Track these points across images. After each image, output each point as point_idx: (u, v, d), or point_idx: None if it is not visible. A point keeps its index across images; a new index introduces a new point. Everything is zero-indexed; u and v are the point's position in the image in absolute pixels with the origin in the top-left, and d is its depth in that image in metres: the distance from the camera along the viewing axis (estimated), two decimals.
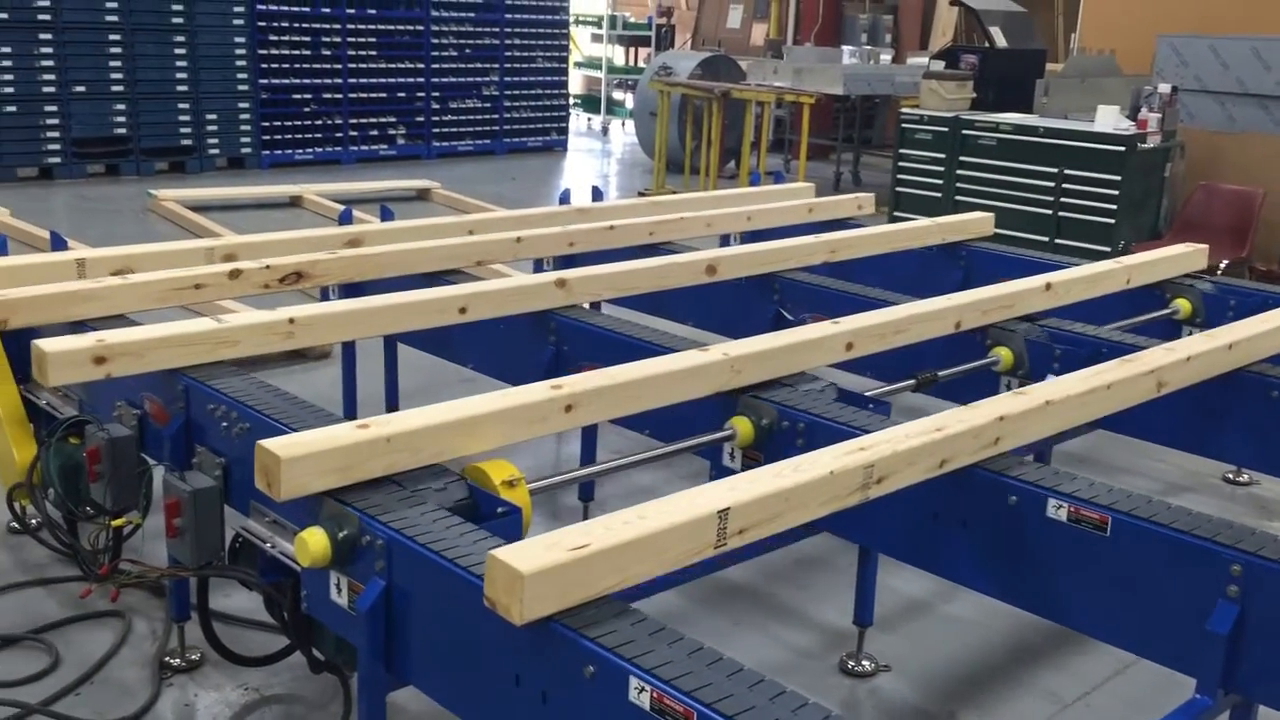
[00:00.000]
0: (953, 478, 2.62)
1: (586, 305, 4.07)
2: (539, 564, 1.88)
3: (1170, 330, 4.29)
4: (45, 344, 2.92)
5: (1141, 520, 2.38)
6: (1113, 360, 3.32)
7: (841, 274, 4.53)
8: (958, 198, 8.35)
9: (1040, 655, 3.37)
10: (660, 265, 4.22)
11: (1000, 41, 9.73)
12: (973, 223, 5.20)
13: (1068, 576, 2.50)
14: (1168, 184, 8.02)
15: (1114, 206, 7.63)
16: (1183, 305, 4.36)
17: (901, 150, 8.82)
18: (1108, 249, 7.39)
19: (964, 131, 8.39)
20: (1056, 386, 3.06)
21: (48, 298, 3.32)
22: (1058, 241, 7.73)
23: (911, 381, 3.49)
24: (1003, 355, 3.71)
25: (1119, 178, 7.62)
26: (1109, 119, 7.80)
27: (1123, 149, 7.63)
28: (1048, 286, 4.04)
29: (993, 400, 2.88)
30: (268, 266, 3.74)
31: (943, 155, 8.50)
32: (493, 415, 2.64)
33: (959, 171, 8.42)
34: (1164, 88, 7.92)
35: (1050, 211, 7.89)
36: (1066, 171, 7.82)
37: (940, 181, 8.51)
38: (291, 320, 3.25)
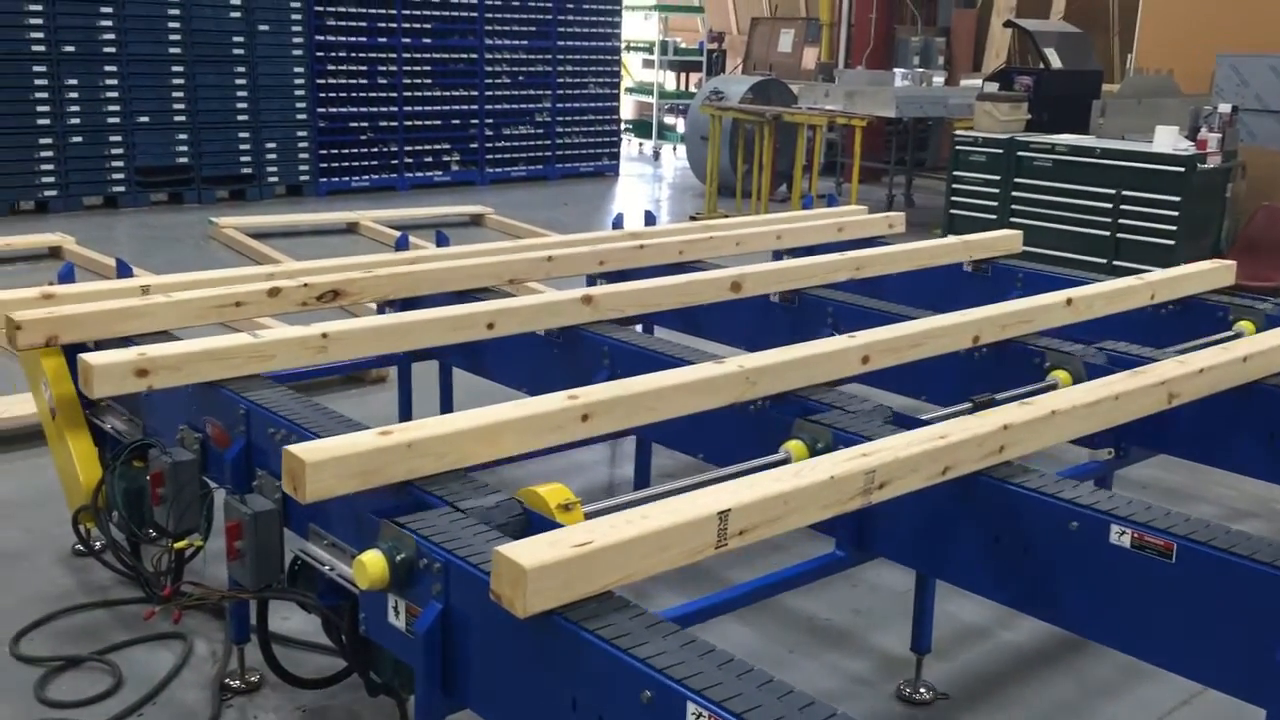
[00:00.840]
0: (1012, 502, 2.59)
1: (638, 325, 4.08)
2: (542, 559, 1.95)
3: None
4: (90, 357, 3.04)
5: (1208, 547, 2.33)
6: (1124, 371, 3.30)
7: (868, 291, 4.55)
8: (1012, 219, 8.27)
9: (1103, 684, 3.31)
10: (685, 282, 4.25)
11: (1055, 63, 9.65)
12: (1000, 240, 5.15)
13: (1131, 604, 2.46)
14: (1229, 205, 7.90)
15: (1174, 228, 7.52)
16: (1246, 327, 4.28)
17: (955, 172, 8.76)
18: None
19: (1019, 153, 8.32)
20: (1064, 396, 3.05)
21: (95, 315, 3.40)
22: (1116, 264, 7.62)
23: (968, 405, 3.45)
24: (1061, 378, 3.65)
25: (1178, 199, 7.51)
26: (1168, 139, 7.70)
27: (1182, 170, 7.52)
28: (1069, 302, 4.01)
29: (999, 409, 2.87)
30: (305, 285, 3.81)
31: (997, 177, 8.43)
32: (511, 423, 2.70)
33: (1014, 193, 8.34)
34: (1224, 107, 7.80)
35: (1108, 233, 7.79)
36: (1124, 193, 7.72)
37: (995, 204, 8.44)
38: (325, 335, 3.34)
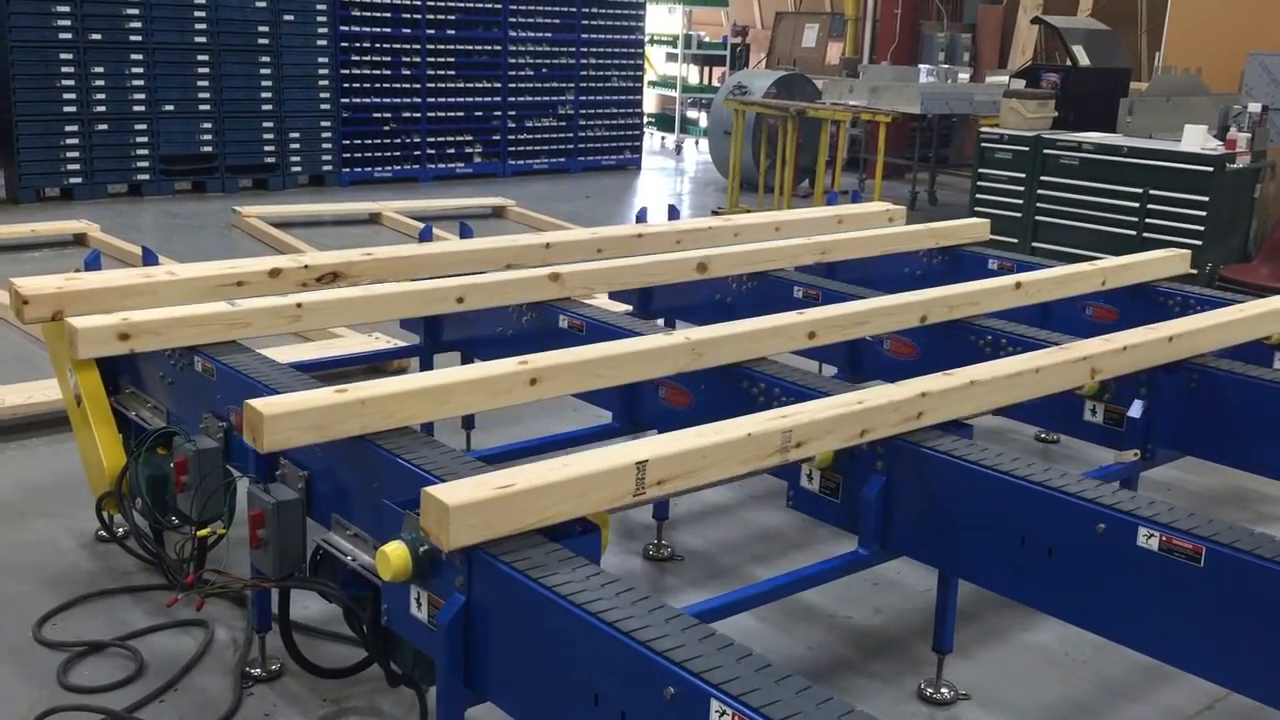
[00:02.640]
0: (1036, 500, 2.57)
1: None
2: (465, 498, 2.12)
3: (1263, 355, 4.17)
4: (75, 320, 3.15)
5: (1237, 551, 2.31)
6: (1050, 349, 3.38)
7: (836, 276, 4.67)
8: (1038, 217, 8.23)
9: (1125, 688, 3.28)
10: (651, 262, 4.33)
11: (1083, 60, 9.57)
12: (966, 228, 5.23)
13: (1158, 607, 2.44)
14: (1258, 205, 7.82)
15: (1201, 228, 7.45)
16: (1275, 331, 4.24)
17: (981, 170, 8.71)
18: (1194, 271, 7.21)
19: (1045, 151, 8.26)
20: (985, 368, 3.15)
21: (99, 292, 3.45)
22: None
23: None
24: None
25: (1207, 198, 7.44)
26: (1196, 138, 7.63)
27: (1211, 169, 7.45)
28: (1017, 285, 4.07)
29: (919, 379, 2.99)
30: (306, 266, 3.87)
31: (1023, 175, 8.37)
32: (461, 385, 2.86)
33: (1039, 191, 8.28)
34: (1254, 107, 7.73)
35: (1134, 233, 7.73)
36: (1152, 192, 7.66)
37: (1020, 201, 8.39)
38: (299, 305, 3.48)
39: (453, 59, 12.18)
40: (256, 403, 2.58)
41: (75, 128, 10.01)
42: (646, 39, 14.69)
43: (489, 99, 12.53)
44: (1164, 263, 4.67)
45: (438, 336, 4.34)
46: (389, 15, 11.67)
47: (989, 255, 5.06)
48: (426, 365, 4.58)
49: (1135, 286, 4.55)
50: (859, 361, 4.08)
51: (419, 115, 12.02)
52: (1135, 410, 3.51)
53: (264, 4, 10.81)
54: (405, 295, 3.74)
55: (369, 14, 11.55)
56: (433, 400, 2.78)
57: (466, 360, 4.57)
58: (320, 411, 2.59)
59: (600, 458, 2.36)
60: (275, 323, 3.46)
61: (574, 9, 13.05)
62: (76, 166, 10.09)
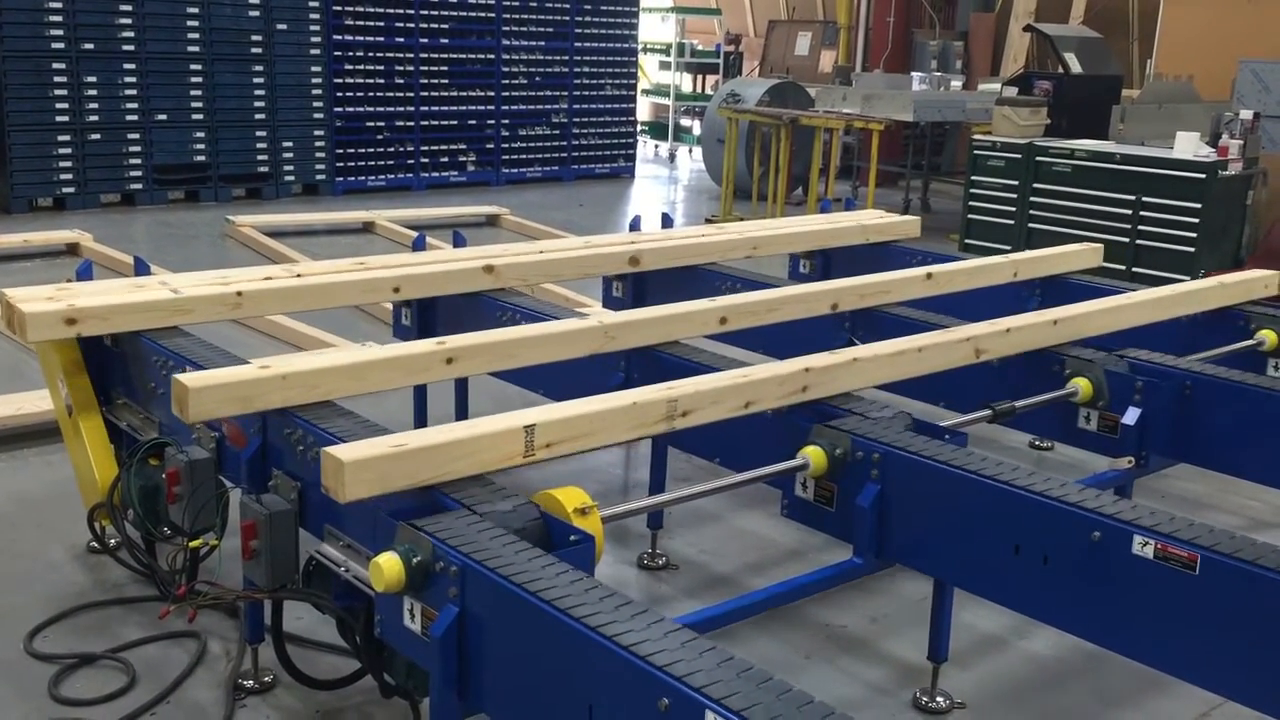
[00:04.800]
0: (1031, 508, 2.57)
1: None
2: (359, 455, 2.31)
3: (1256, 362, 4.19)
4: (23, 305, 3.22)
5: (1232, 559, 2.31)
6: (935, 331, 3.50)
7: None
8: (1031, 225, 8.24)
9: (1121, 696, 3.28)
10: (586, 255, 4.39)
11: (1075, 67, 9.61)
12: (899, 225, 5.36)
13: (1153, 615, 2.43)
14: (1250, 212, 7.84)
15: (1194, 235, 7.47)
16: (1269, 336, 4.25)
17: (973, 177, 8.72)
18: (1187, 278, 7.24)
19: (1038, 158, 8.28)
20: (869, 348, 3.28)
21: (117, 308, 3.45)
22: (1135, 270, 7.58)
23: (988, 412, 3.43)
24: (1081, 386, 3.63)
25: (1199, 205, 7.46)
26: (1188, 145, 7.65)
27: (1203, 176, 7.47)
28: (928, 276, 4.14)
29: (805, 357, 3.10)
30: (299, 275, 3.91)
31: (1016, 182, 8.39)
32: (380, 363, 3.00)
33: (1032, 199, 8.30)
34: (1245, 114, 7.75)
35: (1127, 240, 7.74)
36: (1144, 199, 7.68)
37: (1013, 209, 8.40)
38: (239, 294, 3.58)
39: (446, 68, 12.18)
40: (183, 377, 2.74)
41: (68, 137, 10.00)
42: (640, 47, 14.70)
43: (482, 108, 12.53)
44: (1077, 256, 4.75)
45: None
46: (382, 24, 11.67)
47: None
48: None
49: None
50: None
51: (412, 124, 12.02)
52: (1130, 417, 3.51)
53: (257, 13, 10.80)
54: (342, 285, 3.83)
55: (362, 23, 11.55)
56: (351, 376, 2.93)
57: None
58: (245, 385, 2.74)
59: (491, 422, 2.54)
60: (217, 309, 3.57)
61: (567, 18, 13.06)
62: (69, 176, 10.08)
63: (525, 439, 2.51)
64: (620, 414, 2.71)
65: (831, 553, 3.67)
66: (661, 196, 13.41)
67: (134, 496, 3.21)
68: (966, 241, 8.57)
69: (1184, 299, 4.27)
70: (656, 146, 17.35)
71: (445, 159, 12.35)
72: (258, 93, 10.93)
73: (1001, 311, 3.91)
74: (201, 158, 10.73)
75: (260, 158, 11.06)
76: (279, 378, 2.78)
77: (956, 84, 12.66)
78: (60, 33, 9.80)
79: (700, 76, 18.45)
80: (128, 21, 10.10)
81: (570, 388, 3.86)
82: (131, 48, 10.19)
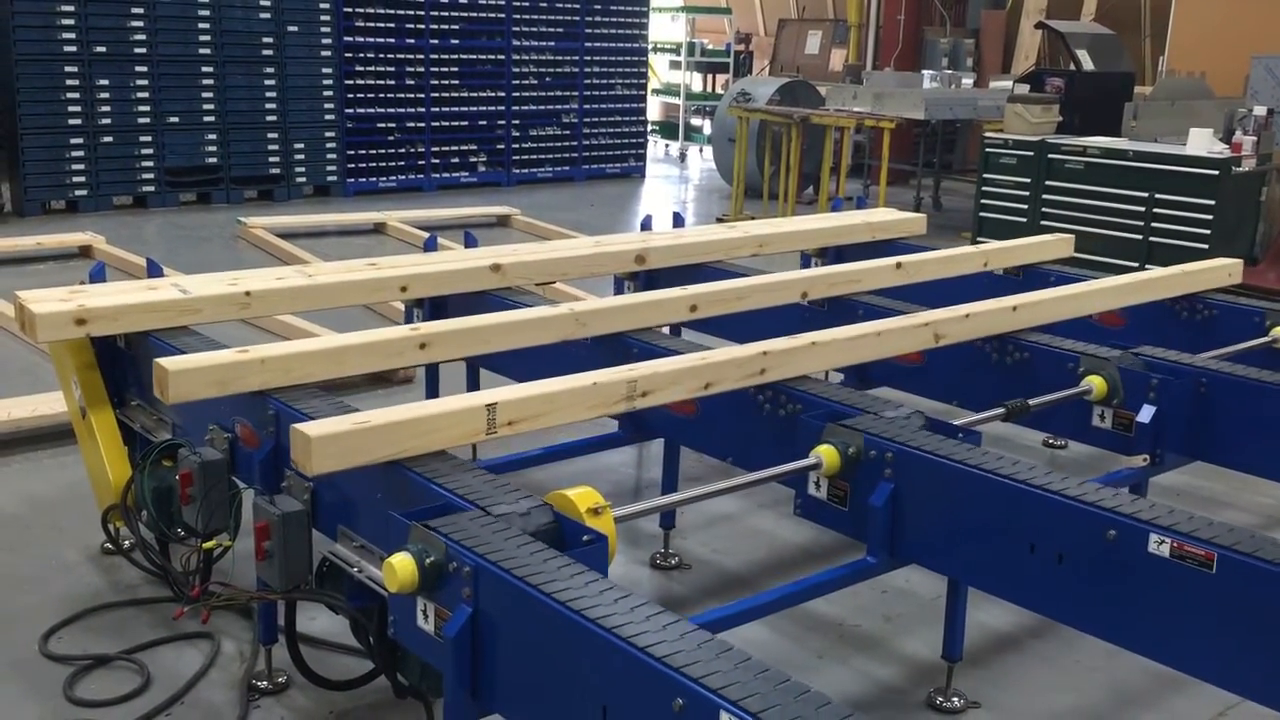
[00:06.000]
0: (1045, 506, 2.56)
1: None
2: (326, 431, 2.43)
3: (1271, 359, 4.15)
4: (34, 306, 3.21)
5: (1249, 557, 2.29)
6: (894, 317, 3.53)
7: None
8: (1043, 222, 8.20)
9: (1137, 695, 3.26)
10: (592, 254, 4.40)
11: (1087, 64, 9.56)
12: (901, 223, 5.31)
13: (1169, 614, 2.42)
14: (1263, 208, 7.81)
15: (1207, 231, 7.43)
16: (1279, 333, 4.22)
17: (985, 175, 8.69)
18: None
19: (1050, 156, 8.25)
20: (827, 332, 3.32)
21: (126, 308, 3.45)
22: (1148, 268, 7.54)
23: (1001, 410, 3.42)
24: (1095, 384, 3.61)
25: (1212, 202, 7.42)
26: (1201, 142, 7.61)
27: (1216, 173, 7.43)
28: (898, 265, 4.17)
29: (763, 341, 3.13)
30: (310, 275, 3.90)
31: (1028, 180, 8.36)
32: (356, 347, 3.06)
33: (1044, 196, 8.27)
34: (1259, 110, 7.71)
35: (1140, 236, 7.71)
36: (1157, 196, 7.64)
37: (1025, 206, 8.37)
38: (248, 293, 3.58)
39: (456, 68, 12.20)
40: (164, 361, 2.80)
41: (80, 140, 10.03)
42: (650, 47, 14.70)
43: (493, 108, 12.54)
44: (1049, 246, 4.76)
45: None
46: (392, 25, 11.69)
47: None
48: (432, 375, 4.57)
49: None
50: None
51: (423, 125, 12.04)
52: (1144, 415, 3.49)
53: (268, 15, 10.83)
54: (351, 285, 3.85)
55: (372, 24, 11.57)
56: (328, 360, 2.99)
57: (471, 370, 4.57)
58: (223, 368, 2.81)
59: (453, 401, 2.63)
60: (226, 310, 3.59)
61: (577, 18, 13.06)
62: (82, 179, 10.11)
63: (487, 417, 2.59)
64: (581, 394, 2.78)
65: (845, 552, 3.66)
66: (672, 196, 13.40)
67: (147, 498, 3.21)
68: (978, 239, 8.53)
69: (1146, 286, 4.27)
70: (667, 146, 17.34)
71: (456, 160, 12.36)
72: (269, 95, 10.96)
73: (973, 300, 3.91)
74: (213, 160, 10.76)
75: (272, 159, 11.09)
76: (257, 362, 2.86)
77: (968, 82, 12.63)
78: (72, 36, 9.84)
79: (710, 76, 18.44)
80: (139, 25, 10.13)
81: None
82: (143, 51, 10.22)
